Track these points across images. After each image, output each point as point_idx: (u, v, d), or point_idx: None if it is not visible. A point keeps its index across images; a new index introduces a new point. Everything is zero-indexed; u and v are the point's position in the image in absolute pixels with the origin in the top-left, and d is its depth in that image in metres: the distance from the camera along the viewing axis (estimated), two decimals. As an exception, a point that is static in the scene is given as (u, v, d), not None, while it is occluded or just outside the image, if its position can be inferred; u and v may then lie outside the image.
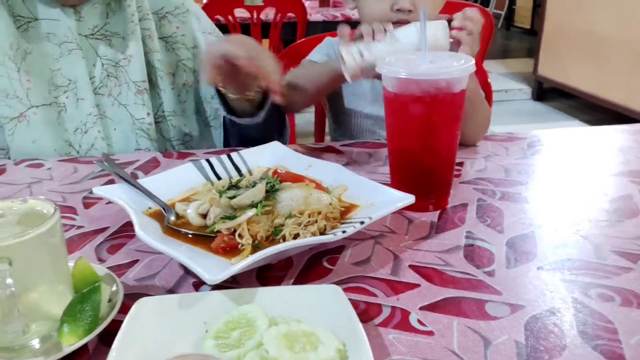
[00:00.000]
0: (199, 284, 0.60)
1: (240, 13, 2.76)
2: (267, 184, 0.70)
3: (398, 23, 1.08)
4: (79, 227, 0.73)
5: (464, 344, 0.50)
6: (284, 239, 0.63)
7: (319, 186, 0.75)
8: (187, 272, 0.62)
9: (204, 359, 0.43)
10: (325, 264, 0.64)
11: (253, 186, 0.70)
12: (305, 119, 2.45)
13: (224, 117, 1.10)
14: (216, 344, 0.47)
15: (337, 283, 0.60)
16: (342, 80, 0.92)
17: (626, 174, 0.89)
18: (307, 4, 3.11)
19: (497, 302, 0.56)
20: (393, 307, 0.55)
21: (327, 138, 1.58)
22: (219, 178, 0.80)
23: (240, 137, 1.04)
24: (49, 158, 0.99)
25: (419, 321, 0.53)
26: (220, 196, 0.69)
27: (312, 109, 1.56)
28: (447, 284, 0.59)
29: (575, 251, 0.66)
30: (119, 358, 0.45)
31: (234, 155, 0.83)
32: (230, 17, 2.71)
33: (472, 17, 0.90)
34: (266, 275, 0.61)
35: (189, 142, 1.13)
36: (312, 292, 0.54)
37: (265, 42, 2.88)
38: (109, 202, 0.75)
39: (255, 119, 0.96)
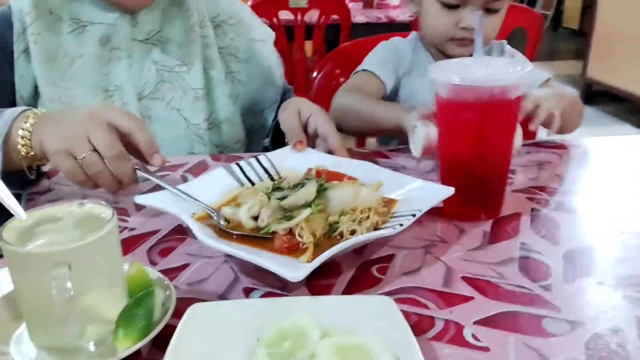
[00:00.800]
0: (249, 290, 0.60)
1: (284, 15, 2.78)
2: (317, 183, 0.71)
3: (461, 40, 1.06)
4: (131, 229, 0.74)
5: (522, 362, 0.48)
6: (342, 236, 0.65)
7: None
8: (237, 277, 0.62)
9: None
10: (375, 272, 0.63)
11: (302, 187, 0.70)
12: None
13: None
14: (267, 352, 0.47)
15: (388, 293, 0.59)
16: (402, 133, 0.91)
17: (690, 185, 0.84)
18: (350, 5, 3.10)
19: (555, 318, 0.54)
20: (446, 321, 0.54)
21: (368, 140, 1.57)
22: (249, 180, 0.81)
23: None
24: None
25: (474, 336, 0.52)
26: (269, 198, 0.70)
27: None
28: (502, 298, 0.57)
29: (638, 266, 0.63)
30: (173, 364, 0.45)
31: (261, 157, 0.84)
32: (274, 20, 2.72)
33: (535, 100, 0.88)
34: (316, 283, 0.61)
35: (239, 149, 1.14)
36: (363, 303, 0.53)
37: (309, 43, 2.89)
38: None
39: None
